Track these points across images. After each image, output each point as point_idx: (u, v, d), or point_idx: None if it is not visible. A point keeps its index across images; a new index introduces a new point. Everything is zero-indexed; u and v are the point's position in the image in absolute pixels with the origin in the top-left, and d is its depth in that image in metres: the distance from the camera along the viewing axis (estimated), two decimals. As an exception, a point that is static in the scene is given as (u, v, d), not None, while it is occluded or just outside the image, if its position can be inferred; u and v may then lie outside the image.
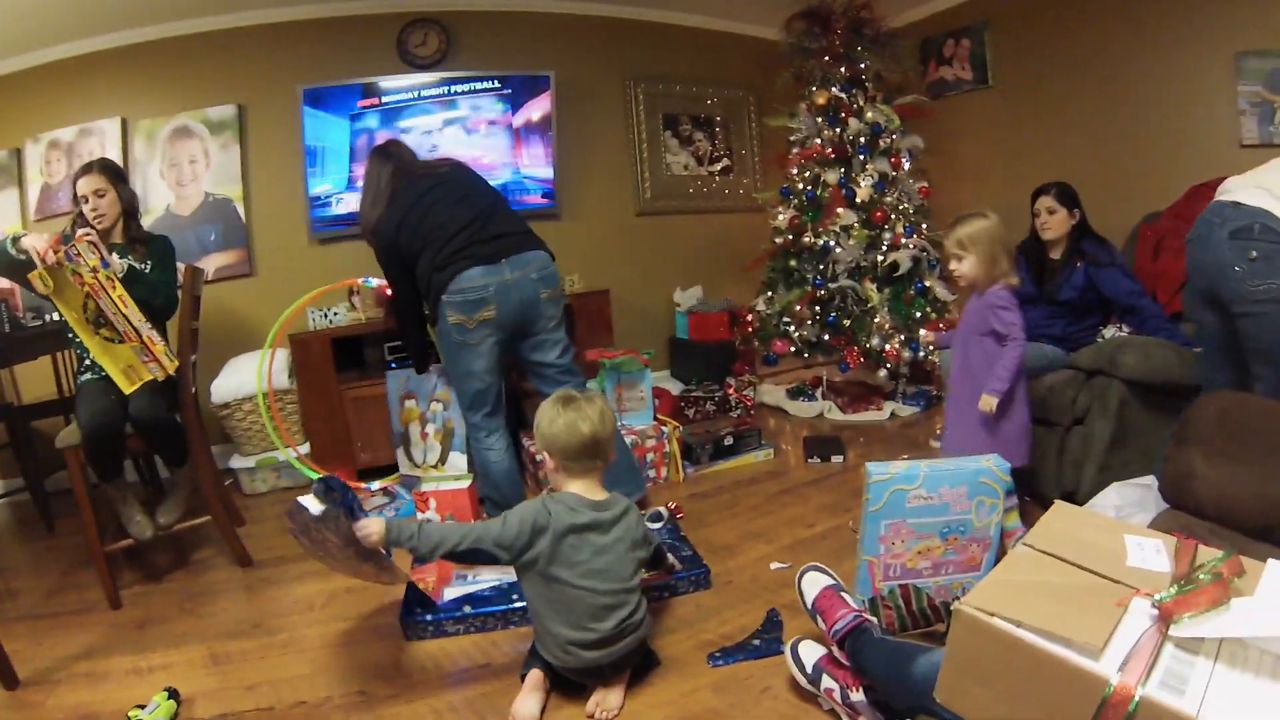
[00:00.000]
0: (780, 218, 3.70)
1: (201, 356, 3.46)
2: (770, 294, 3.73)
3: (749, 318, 3.77)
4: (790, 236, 3.65)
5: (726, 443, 2.92)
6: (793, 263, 3.69)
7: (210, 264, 3.66)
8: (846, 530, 2.25)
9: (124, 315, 2.03)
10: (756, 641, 1.68)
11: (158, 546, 2.53)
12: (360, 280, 2.96)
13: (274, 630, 1.98)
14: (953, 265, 2.04)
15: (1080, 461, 2.23)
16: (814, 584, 1.56)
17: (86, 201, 2.31)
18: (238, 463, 3.25)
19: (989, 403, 1.94)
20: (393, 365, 3.26)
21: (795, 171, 3.74)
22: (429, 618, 1.84)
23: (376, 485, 3.00)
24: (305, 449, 3.19)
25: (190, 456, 2.40)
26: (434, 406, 2.69)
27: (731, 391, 3.45)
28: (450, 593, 1.95)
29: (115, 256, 2.30)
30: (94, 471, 2.23)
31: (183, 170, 3.68)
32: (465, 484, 2.35)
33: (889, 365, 3.46)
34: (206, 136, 3.68)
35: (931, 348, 3.34)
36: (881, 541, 1.56)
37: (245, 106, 3.67)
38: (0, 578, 2.67)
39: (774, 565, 2.06)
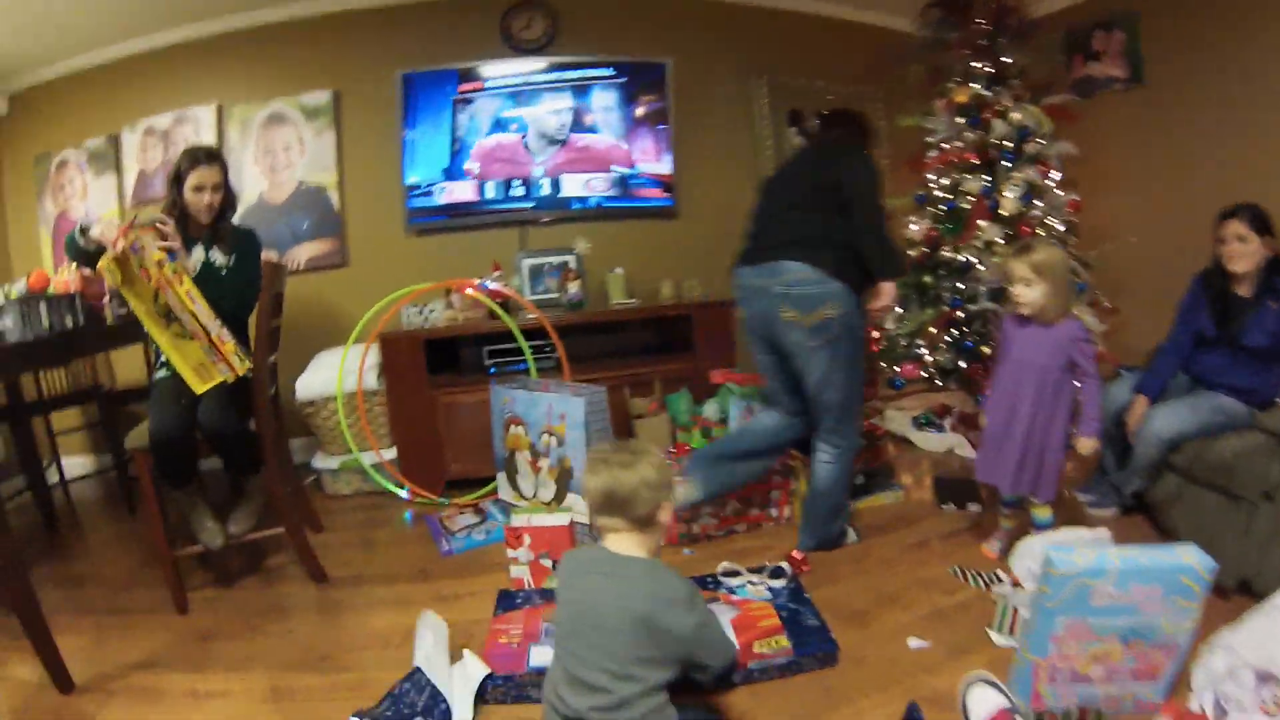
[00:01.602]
0: (914, 228, 3.35)
1: (288, 350, 3.34)
2: (900, 311, 3.38)
3: (875, 336, 3.43)
4: (926, 250, 3.29)
5: (857, 481, 2.60)
6: (927, 279, 3.32)
7: (302, 253, 3.54)
8: (989, 601, 1.92)
9: (191, 312, 1.89)
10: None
11: (231, 551, 2.37)
12: (476, 283, 2.75)
13: (344, 666, 1.79)
14: (1018, 291, 1.96)
15: (1266, 544, 1.84)
16: (983, 703, 1.34)
17: (202, 192, 2.18)
18: (321, 462, 3.09)
19: (1091, 446, 1.96)
20: (492, 370, 3.06)
21: (932, 177, 3.37)
22: (506, 678, 1.61)
23: (465, 500, 2.80)
24: (392, 454, 3.00)
25: (264, 465, 2.21)
26: (545, 440, 2.43)
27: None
28: (538, 654, 1.68)
29: (195, 251, 2.20)
30: (163, 477, 2.10)
31: (276, 157, 3.57)
32: (565, 520, 2.08)
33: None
34: (301, 123, 3.56)
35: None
36: (1054, 641, 1.34)
37: (340, 92, 3.54)
38: (77, 560, 2.64)
39: (913, 643, 1.74)
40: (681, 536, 2.37)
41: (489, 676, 1.60)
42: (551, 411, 2.37)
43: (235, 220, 2.39)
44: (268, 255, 3.26)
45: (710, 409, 2.74)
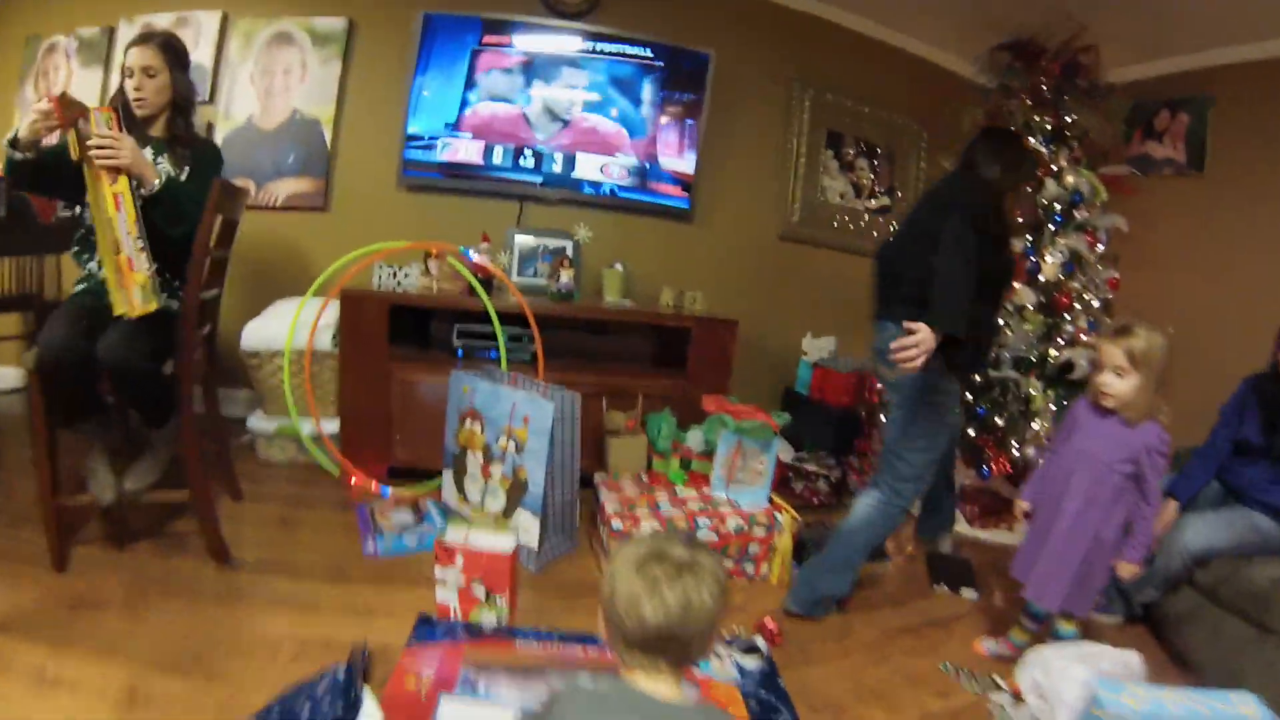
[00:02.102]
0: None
1: (245, 292, 3.06)
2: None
3: (880, 387, 3.18)
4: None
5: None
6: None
7: (281, 189, 3.23)
8: (983, 709, 1.69)
9: (110, 218, 1.61)
10: None
11: (132, 507, 2.07)
12: (457, 250, 2.45)
13: (215, 673, 1.53)
14: (1106, 380, 1.69)
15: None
16: None
17: (131, 76, 1.87)
18: (258, 422, 2.78)
19: (1133, 571, 1.71)
20: (460, 352, 2.77)
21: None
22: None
23: (400, 492, 2.50)
24: (334, 427, 2.70)
25: (175, 418, 1.91)
26: (503, 443, 2.15)
27: (855, 474, 2.86)
28: (448, 710, 1.40)
29: (147, 153, 1.87)
30: (50, 409, 1.78)
31: (274, 80, 3.26)
32: (508, 545, 1.78)
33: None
34: (307, 48, 3.25)
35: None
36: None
37: (356, 22, 3.24)
38: None
39: None
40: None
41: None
42: (515, 411, 2.09)
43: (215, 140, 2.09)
44: (239, 182, 2.97)
45: (694, 438, 2.46)
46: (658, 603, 0.91)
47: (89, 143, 1.59)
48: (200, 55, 3.23)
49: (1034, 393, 2.84)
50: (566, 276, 2.78)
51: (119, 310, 1.66)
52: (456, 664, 1.55)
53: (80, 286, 1.91)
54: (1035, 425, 2.83)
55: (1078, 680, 1.55)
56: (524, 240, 3.10)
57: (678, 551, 0.96)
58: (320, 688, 1.34)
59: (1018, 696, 1.66)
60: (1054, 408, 2.86)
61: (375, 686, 1.46)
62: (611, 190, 3.25)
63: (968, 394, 2.97)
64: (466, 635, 1.69)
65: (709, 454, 2.43)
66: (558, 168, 3.20)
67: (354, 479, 2.43)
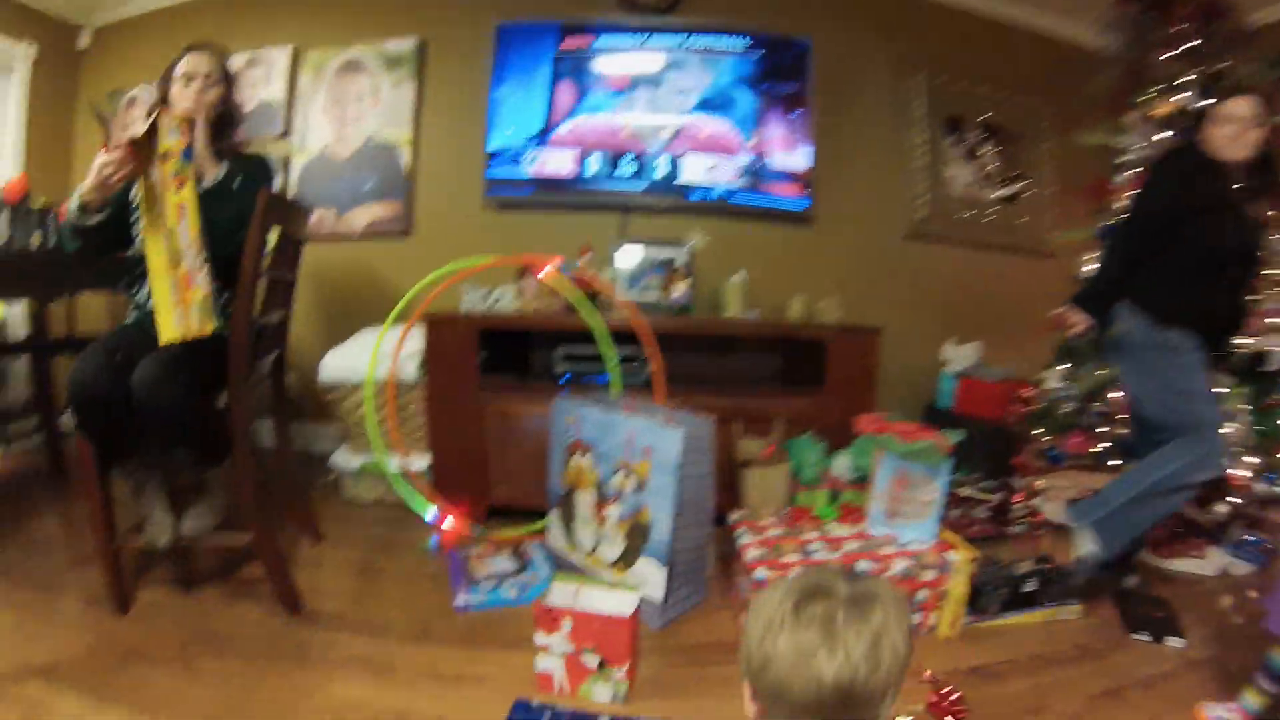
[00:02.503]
0: (1090, 268, 2.67)
1: (328, 324, 2.91)
2: (1071, 367, 2.68)
3: (1030, 395, 2.75)
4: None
5: (1026, 588, 1.92)
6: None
7: (360, 217, 3.09)
8: None
9: (171, 229, 1.42)
10: None
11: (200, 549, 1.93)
12: (555, 264, 2.19)
13: None
14: None
15: None
16: None
17: (193, 81, 1.72)
18: (343, 460, 2.57)
19: None
20: (566, 378, 2.50)
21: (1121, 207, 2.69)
22: None
23: (497, 537, 2.22)
24: (423, 464, 2.46)
25: (229, 458, 1.69)
26: (620, 480, 1.83)
27: (1019, 498, 2.44)
28: None
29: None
30: (93, 449, 1.60)
31: (346, 109, 3.16)
32: (628, 607, 1.46)
33: (1233, 498, 2.35)
34: (378, 72, 3.14)
35: None
36: None
37: (426, 41, 3.12)
38: (56, 521, 2.28)
39: None
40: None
41: None
42: (633, 443, 1.78)
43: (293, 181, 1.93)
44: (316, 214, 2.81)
45: (841, 464, 2.11)
46: (839, 652, 0.72)
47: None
48: (273, 91, 3.17)
49: (1224, 390, 2.37)
50: (682, 289, 2.47)
51: (169, 335, 1.45)
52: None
53: (129, 319, 1.75)
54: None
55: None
56: (630, 253, 2.79)
57: (842, 585, 0.78)
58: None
59: None
60: (1249, 406, 2.39)
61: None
62: (721, 196, 2.93)
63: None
64: (576, 728, 1.36)
65: (859, 482, 2.06)
66: (660, 173, 2.91)
67: (444, 521, 2.19)
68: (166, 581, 1.87)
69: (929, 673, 1.61)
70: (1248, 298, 2.15)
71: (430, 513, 1.99)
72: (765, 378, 2.78)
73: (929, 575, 1.78)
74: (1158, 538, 2.43)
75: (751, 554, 1.79)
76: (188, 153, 1.47)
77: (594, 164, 2.91)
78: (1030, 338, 2.87)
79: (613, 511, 1.85)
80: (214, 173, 1.70)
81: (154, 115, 1.41)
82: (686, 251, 2.68)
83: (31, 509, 2.31)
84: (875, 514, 1.91)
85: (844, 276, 3.02)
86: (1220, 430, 1.93)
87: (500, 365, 2.55)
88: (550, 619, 1.45)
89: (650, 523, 1.76)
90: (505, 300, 2.50)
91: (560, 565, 2.03)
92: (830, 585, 0.77)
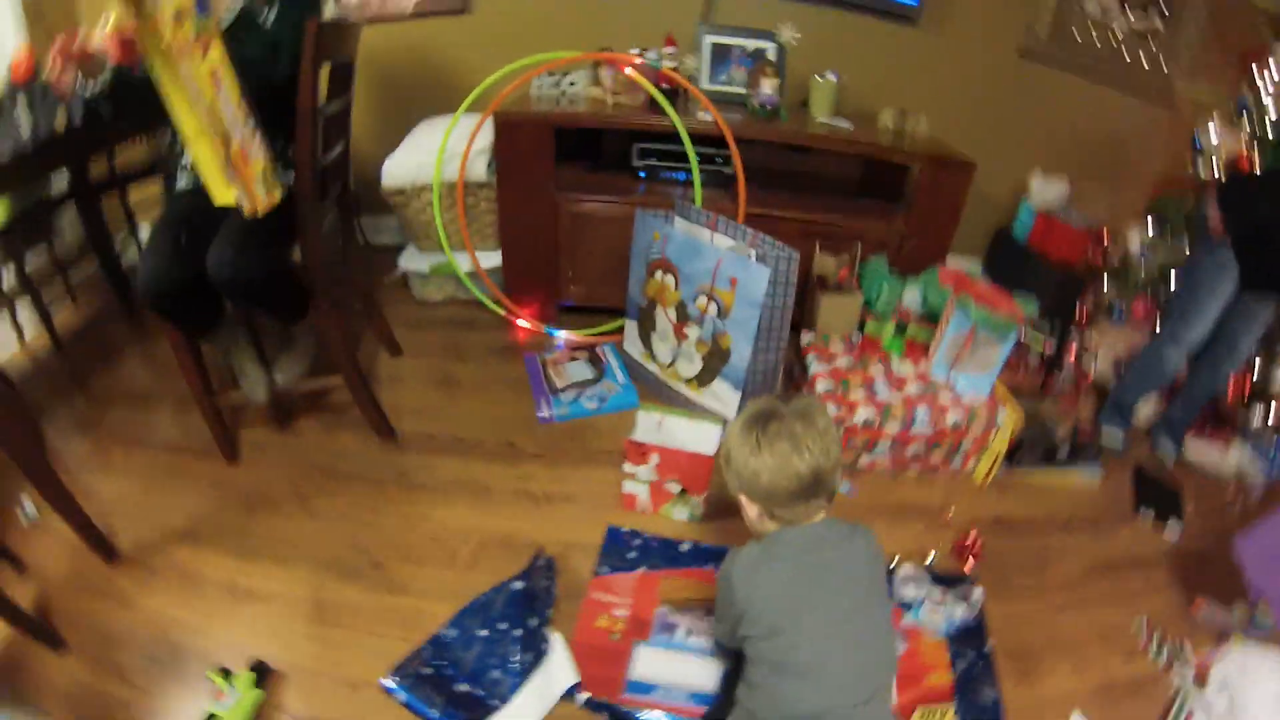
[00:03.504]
0: (1215, 139, 2.30)
1: (382, 117, 2.74)
2: (1160, 229, 2.48)
3: (1108, 247, 2.59)
4: (1223, 176, 2.30)
5: (1061, 454, 2.02)
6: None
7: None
8: (1167, 686, 1.41)
9: (211, 102, 1.19)
10: None
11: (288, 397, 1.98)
12: (638, 59, 1.98)
13: (399, 584, 1.48)
14: None
15: None
16: None
17: None
18: (409, 262, 2.59)
19: None
20: (643, 174, 2.41)
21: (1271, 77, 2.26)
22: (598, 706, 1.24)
23: (572, 337, 2.30)
24: (494, 259, 2.46)
25: (311, 308, 1.68)
26: (702, 303, 1.83)
27: (1072, 355, 2.41)
28: (644, 661, 1.31)
29: None
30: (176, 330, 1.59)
31: None
32: (711, 444, 1.55)
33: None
34: None
35: None
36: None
37: None
38: (142, 369, 2.24)
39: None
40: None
41: (574, 688, 1.23)
42: (720, 271, 1.77)
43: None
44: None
45: (910, 296, 2.08)
46: (804, 452, 1.03)
47: None
48: None
49: None
50: (769, 87, 2.22)
51: (225, 200, 1.27)
52: (651, 600, 1.40)
53: (182, 184, 1.59)
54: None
55: (1272, 697, 1.29)
56: (716, 40, 2.44)
57: (782, 406, 1.08)
58: (508, 628, 1.32)
59: (1201, 677, 1.39)
60: None
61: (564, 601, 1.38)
62: None
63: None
64: (661, 560, 1.51)
65: (927, 317, 2.06)
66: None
67: (520, 322, 2.25)
68: (264, 423, 1.95)
69: (950, 514, 1.75)
70: None
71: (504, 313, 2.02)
72: (847, 191, 2.61)
73: (978, 429, 1.85)
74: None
75: (821, 385, 1.85)
76: (202, 6, 1.17)
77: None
78: (1124, 188, 2.66)
79: (692, 331, 1.88)
80: (225, 2, 1.43)
81: None
82: (777, 45, 2.37)
83: (118, 358, 2.28)
84: (939, 360, 1.93)
85: (945, 89, 2.70)
86: (1177, 344, 1.98)
87: (575, 156, 2.43)
88: (639, 453, 1.55)
89: (730, 349, 1.81)
90: (579, 87, 2.31)
91: (635, 374, 2.11)
92: (776, 408, 1.07)
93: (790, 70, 2.41)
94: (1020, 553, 1.72)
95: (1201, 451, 2.22)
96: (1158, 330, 2.14)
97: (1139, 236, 2.51)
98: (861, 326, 2.14)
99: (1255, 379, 2.25)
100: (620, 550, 1.53)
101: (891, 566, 1.55)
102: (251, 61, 1.35)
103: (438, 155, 2.24)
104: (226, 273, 1.42)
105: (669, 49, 2.24)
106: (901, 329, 2.07)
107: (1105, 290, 2.56)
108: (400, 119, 2.63)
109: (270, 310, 1.63)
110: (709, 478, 1.56)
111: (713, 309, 1.80)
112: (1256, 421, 2.22)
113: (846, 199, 2.51)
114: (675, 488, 1.58)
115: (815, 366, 1.92)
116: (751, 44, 2.37)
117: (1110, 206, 2.68)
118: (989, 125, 2.80)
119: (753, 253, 1.75)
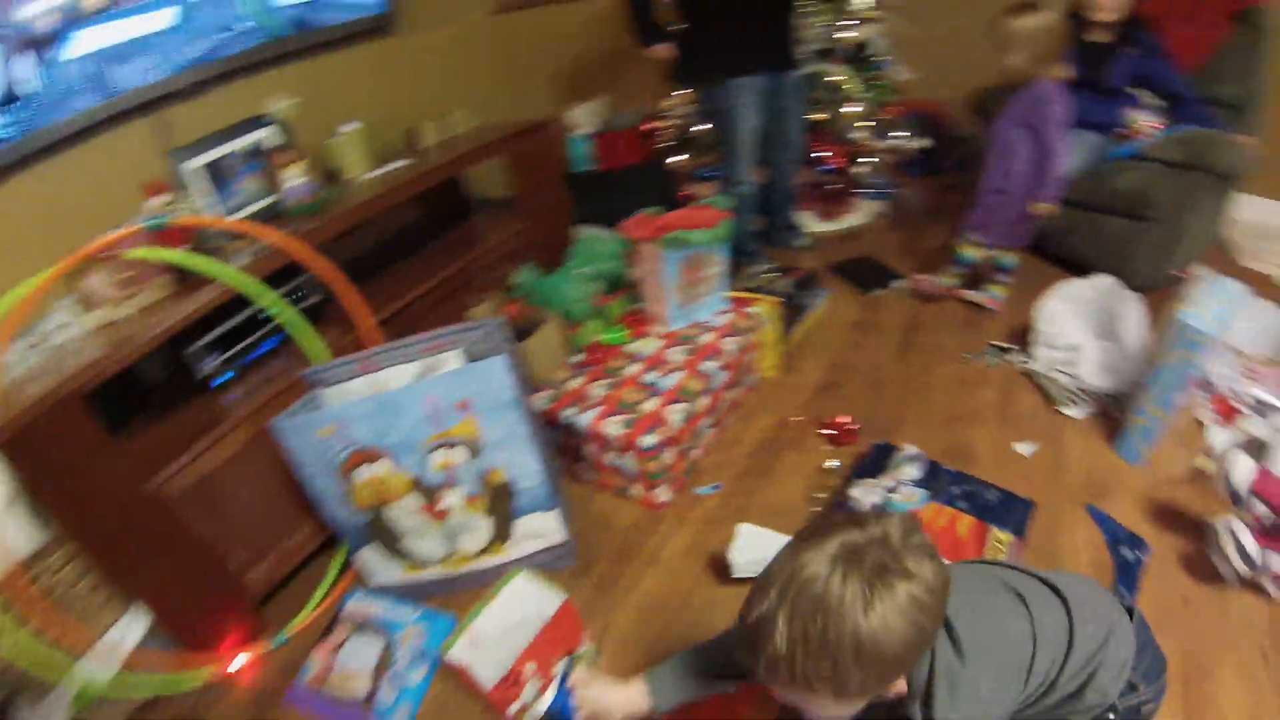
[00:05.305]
0: None
1: None
2: (680, 91, 2.73)
3: (659, 126, 2.77)
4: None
5: (797, 303, 2.17)
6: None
7: None
8: (1021, 378, 1.89)
9: None
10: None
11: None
12: (133, 230, 1.31)
13: None
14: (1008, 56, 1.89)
15: (1168, 250, 2.10)
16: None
17: None
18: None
19: (1051, 210, 1.98)
20: (223, 378, 1.67)
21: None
22: None
23: (301, 622, 1.64)
24: (138, 627, 1.61)
25: None
26: (440, 459, 1.43)
27: None
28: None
29: None
30: None
31: None
32: (550, 609, 1.40)
33: (865, 159, 2.79)
34: None
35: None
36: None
37: None
38: None
39: (1023, 449, 1.66)
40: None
41: None
42: (439, 406, 1.36)
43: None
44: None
45: (584, 278, 1.94)
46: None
47: None
48: None
49: (842, 78, 2.69)
50: (297, 174, 1.70)
51: None
52: None
53: None
54: (854, 107, 2.68)
55: (1056, 313, 1.86)
56: (200, 162, 1.70)
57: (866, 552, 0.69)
58: None
59: (1019, 350, 1.92)
60: (865, 89, 2.72)
61: None
62: (260, 39, 1.93)
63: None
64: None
65: (616, 285, 1.95)
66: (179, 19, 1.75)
67: (233, 667, 1.55)
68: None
69: (792, 419, 1.76)
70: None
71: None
72: (456, 221, 2.28)
73: (752, 335, 1.84)
74: (823, 208, 2.85)
75: (610, 429, 1.60)
76: None
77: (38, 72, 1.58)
78: (635, 77, 2.84)
79: (451, 497, 1.46)
80: None
81: None
82: (276, 124, 1.80)
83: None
84: (671, 311, 1.84)
85: (456, 75, 2.50)
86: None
87: (115, 422, 1.62)
88: (507, 691, 1.21)
89: (510, 477, 1.44)
90: (72, 328, 1.55)
91: (417, 594, 1.60)
92: (845, 534, 0.71)
93: (304, 145, 1.89)
94: (853, 396, 1.89)
95: (835, 223, 2.76)
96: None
97: (673, 102, 2.74)
98: (577, 345, 1.92)
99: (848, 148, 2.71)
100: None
101: (846, 502, 1.50)
102: None
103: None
104: None
105: (160, 198, 1.59)
106: (607, 314, 1.91)
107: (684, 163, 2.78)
108: None
109: None
110: (579, 628, 1.32)
111: (459, 455, 1.40)
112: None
113: (459, 229, 2.21)
114: (561, 664, 1.26)
115: (580, 419, 1.66)
116: (244, 141, 1.75)
117: (641, 97, 2.87)
118: (511, 88, 2.73)
119: (454, 353, 1.38)
